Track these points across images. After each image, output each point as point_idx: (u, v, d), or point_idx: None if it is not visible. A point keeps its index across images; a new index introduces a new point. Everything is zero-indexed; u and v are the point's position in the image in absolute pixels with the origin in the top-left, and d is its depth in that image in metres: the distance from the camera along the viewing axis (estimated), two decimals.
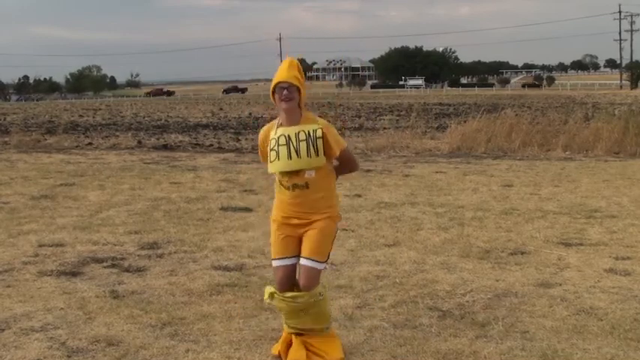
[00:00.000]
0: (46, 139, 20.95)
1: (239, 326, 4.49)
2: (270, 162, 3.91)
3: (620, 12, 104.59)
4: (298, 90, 3.81)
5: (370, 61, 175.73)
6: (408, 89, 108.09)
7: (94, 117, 39.50)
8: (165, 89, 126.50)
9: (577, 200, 8.95)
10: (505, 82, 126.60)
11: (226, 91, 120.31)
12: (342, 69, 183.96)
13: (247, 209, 8.59)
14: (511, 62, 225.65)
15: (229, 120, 33.44)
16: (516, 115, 18.98)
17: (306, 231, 3.91)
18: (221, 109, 47.76)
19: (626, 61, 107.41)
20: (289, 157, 3.82)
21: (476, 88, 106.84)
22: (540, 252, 6.33)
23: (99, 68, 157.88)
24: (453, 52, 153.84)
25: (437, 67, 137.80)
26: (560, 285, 5.30)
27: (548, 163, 13.50)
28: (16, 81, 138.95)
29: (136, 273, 5.80)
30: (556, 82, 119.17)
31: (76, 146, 19.19)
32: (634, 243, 6.61)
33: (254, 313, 4.75)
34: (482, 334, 4.31)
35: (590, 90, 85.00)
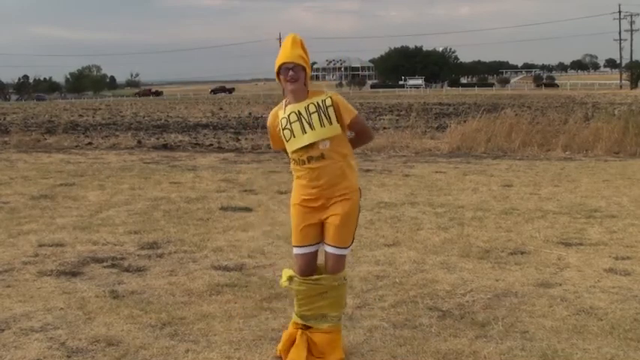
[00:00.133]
0: (45, 139, 20.94)
1: (239, 326, 4.48)
2: (287, 141, 3.83)
3: (620, 12, 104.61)
4: (304, 69, 3.75)
5: (370, 61, 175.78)
6: (408, 89, 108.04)
7: (93, 117, 39.50)
8: (153, 89, 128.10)
9: (577, 200, 8.96)
10: (505, 81, 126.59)
11: (214, 91, 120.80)
12: (342, 69, 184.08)
13: (247, 209, 8.59)
14: (511, 62, 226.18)
15: (229, 120, 33.42)
16: (516, 115, 18.95)
17: (327, 217, 3.83)
18: (221, 108, 47.74)
19: (626, 60, 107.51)
20: (304, 131, 3.75)
21: (476, 88, 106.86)
22: (540, 252, 6.33)
23: (99, 68, 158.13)
24: (453, 52, 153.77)
25: (437, 67, 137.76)
26: (560, 285, 5.30)
27: (548, 162, 13.49)
28: (16, 81, 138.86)
29: (135, 273, 5.79)
30: (556, 81, 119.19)
31: (76, 146, 19.19)
32: (634, 243, 6.61)
33: (254, 313, 4.75)
34: (482, 334, 4.31)
35: (590, 90, 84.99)
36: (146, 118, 36.19)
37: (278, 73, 3.78)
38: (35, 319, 4.64)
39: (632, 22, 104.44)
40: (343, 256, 3.89)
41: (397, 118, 30.64)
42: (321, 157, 3.77)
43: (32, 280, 5.58)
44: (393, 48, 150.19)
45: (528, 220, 7.70)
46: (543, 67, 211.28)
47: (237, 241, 6.91)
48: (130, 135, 22.60)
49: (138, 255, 6.38)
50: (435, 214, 8.10)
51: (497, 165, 13.16)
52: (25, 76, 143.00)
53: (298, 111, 3.77)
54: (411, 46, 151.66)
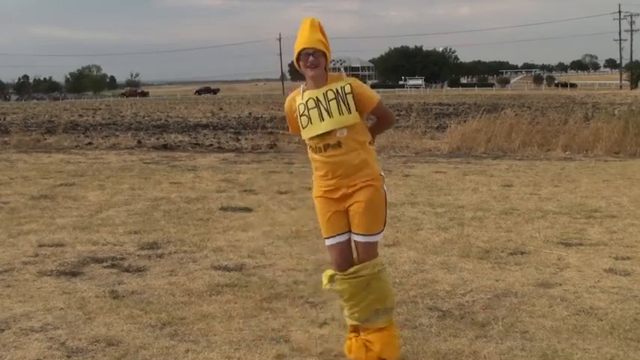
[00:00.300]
0: (45, 139, 20.95)
1: (239, 326, 4.48)
2: (303, 128, 3.75)
3: (620, 12, 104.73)
4: (324, 54, 3.67)
5: (370, 61, 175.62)
6: (408, 89, 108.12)
7: (93, 117, 39.50)
8: (139, 90, 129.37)
9: (577, 200, 8.95)
10: (505, 82, 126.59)
11: (198, 92, 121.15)
12: (342, 69, 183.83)
13: (247, 209, 8.59)
14: (511, 62, 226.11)
15: (229, 120, 33.44)
16: (516, 115, 18.96)
17: (351, 204, 3.75)
18: (221, 108, 47.76)
19: (626, 61, 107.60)
20: (321, 118, 3.68)
21: (476, 88, 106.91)
22: (540, 252, 6.33)
23: (99, 68, 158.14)
24: (453, 52, 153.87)
25: (437, 67, 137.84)
26: (560, 285, 5.30)
27: (548, 163, 13.49)
28: (16, 81, 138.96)
29: (135, 273, 5.79)
30: (556, 81, 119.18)
31: (76, 146, 19.19)
32: (634, 243, 6.60)
33: (254, 313, 4.75)
34: (482, 334, 4.31)
35: (590, 90, 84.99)
36: (146, 118, 36.20)
37: (297, 59, 3.71)
38: (35, 319, 4.64)
39: (632, 22, 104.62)
40: (372, 244, 3.78)
41: (397, 118, 30.61)
42: (338, 145, 3.69)
43: (32, 280, 5.58)
44: (393, 48, 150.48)
45: (528, 221, 7.70)
46: (543, 67, 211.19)
47: (237, 241, 6.91)
48: (130, 135, 22.61)
49: (138, 255, 6.38)
50: (435, 214, 8.10)
51: (497, 165, 13.16)
52: (25, 76, 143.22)
53: (317, 97, 3.70)
54: (411, 46, 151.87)
